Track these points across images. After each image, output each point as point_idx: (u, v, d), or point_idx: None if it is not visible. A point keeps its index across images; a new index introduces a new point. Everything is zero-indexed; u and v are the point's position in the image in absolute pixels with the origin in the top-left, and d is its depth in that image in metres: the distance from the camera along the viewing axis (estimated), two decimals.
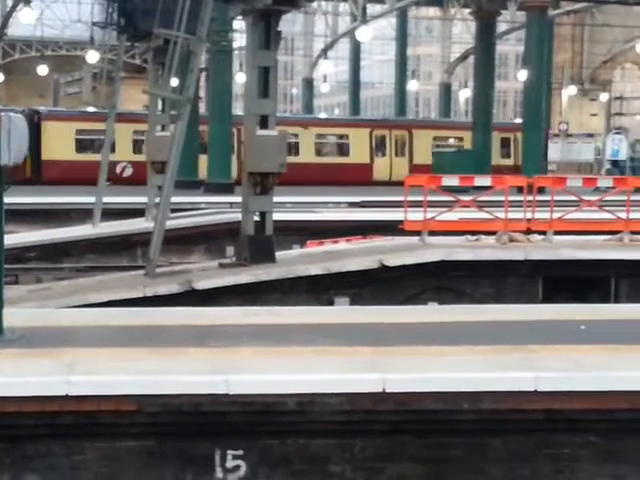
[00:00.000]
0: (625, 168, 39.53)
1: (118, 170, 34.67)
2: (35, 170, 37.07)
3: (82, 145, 38.45)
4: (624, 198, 17.53)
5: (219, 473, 7.41)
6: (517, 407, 7.50)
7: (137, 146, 37.31)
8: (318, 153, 42.85)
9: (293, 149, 40.01)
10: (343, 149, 43.42)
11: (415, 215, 16.44)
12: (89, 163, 32.84)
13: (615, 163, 40.37)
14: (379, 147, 43.18)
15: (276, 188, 14.94)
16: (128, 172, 36.17)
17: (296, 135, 40.33)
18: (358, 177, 39.55)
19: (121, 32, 21.48)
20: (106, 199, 21.58)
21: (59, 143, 37.81)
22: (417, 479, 7.59)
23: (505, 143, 43.55)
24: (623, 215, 17.16)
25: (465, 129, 40.90)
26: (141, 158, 33.74)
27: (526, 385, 7.50)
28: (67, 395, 7.10)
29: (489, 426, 7.59)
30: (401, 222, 16.58)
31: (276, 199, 15.34)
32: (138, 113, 36.69)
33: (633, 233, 16.90)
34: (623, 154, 38.76)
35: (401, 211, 16.73)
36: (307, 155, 41.01)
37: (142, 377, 7.40)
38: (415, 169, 37.26)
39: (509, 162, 42.14)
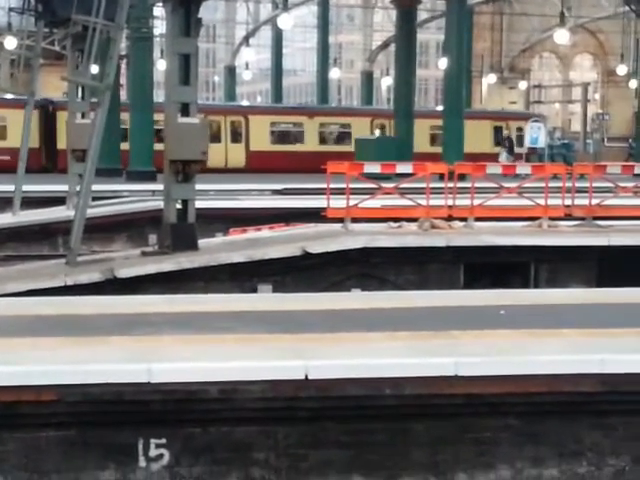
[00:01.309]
0: (544, 155, 39.99)
1: None
2: (51, 159, 37.66)
3: None
4: (542, 185, 17.76)
5: (142, 462, 7.35)
6: (438, 392, 7.55)
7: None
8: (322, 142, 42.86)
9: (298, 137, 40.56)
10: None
11: (338, 202, 16.48)
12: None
13: (533, 150, 40.87)
14: None
15: (197, 176, 14.87)
16: None
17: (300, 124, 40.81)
18: None
19: (39, 18, 21.17)
20: (26, 187, 21.28)
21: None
22: (341, 465, 7.61)
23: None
24: (542, 201, 17.39)
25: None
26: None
27: (447, 370, 7.56)
28: None
29: (411, 411, 7.63)
30: (324, 209, 16.60)
31: (198, 187, 15.26)
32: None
33: (551, 219, 17.14)
34: (542, 142, 39.22)
35: (324, 198, 16.74)
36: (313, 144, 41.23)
37: (62, 367, 7.31)
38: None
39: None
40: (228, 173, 36.64)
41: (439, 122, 38.34)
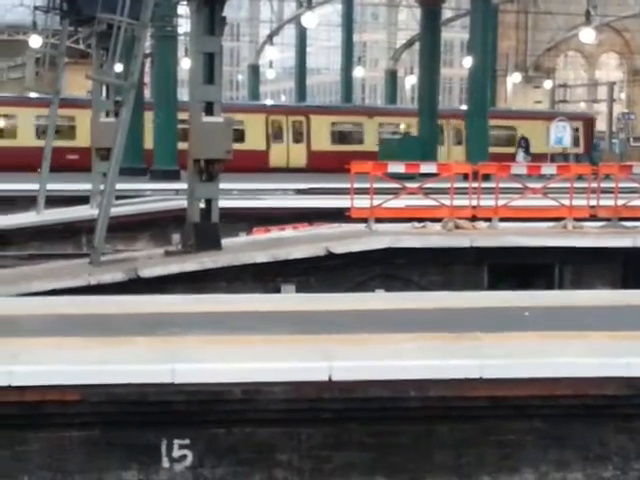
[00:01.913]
0: (570, 155, 39.89)
1: None
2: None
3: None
4: (568, 185, 17.70)
5: (165, 463, 7.37)
6: (463, 394, 7.53)
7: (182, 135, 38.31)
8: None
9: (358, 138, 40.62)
10: None
11: (362, 202, 16.46)
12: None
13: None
14: None
15: (222, 175, 14.89)
16: None
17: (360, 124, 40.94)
18: None
19: (64, 16, 21.23)
20: (50, 186, 21.36)
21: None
22: (364, 467, 7.61)
23: None
24: (566, 202, 17.33)
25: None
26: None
27: (471, 372, 7.54)
28: (10, 385, 7.01)
29: (435, 413, 7.61)
30: (348, 209, 16.59)
31: (222, 186, 15.28)
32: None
33: (576, 220, 17.07)
34: (567, 141, 39.12)
35: (348, 198, 16.73)
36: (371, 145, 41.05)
37: (86, 367, 7.33)
38: None
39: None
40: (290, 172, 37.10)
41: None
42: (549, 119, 44.88)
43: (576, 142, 45.43)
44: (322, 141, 40.64)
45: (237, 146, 39.86)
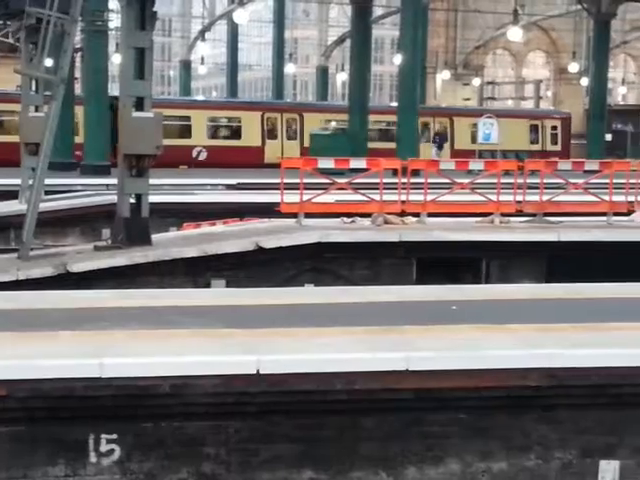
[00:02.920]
0: (496, 151, 40.24)
1: (194, 154, 34.81)
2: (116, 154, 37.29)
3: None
4: (495, 181, 17.88)
5: (93, 457, 7.31)
6: (389, 387, 7.58)
7: (211, 132, 39.76)
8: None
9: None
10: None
11: (292, 197, 16.47)
12: (168, 147, 33.46)
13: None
14: None
15: (152, 170, 14.81)
16: (203, 156, 36.12)
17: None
18: None
19: None
20: None
21: None
22: (292, 459, 7.62)
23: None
24: (494, 197, 17.50)
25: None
26: (215, 143, 36.95)
27: (398, 365, 7.59)
28: None
29: (361, 406, 7.65)
30: (278, 204, 16.59)
31: (152, 181, 15.18)
32: (215, 101, 38.01)
33: (503, 215, 17.26)
34: (494, 138, 39.43)
35: (278, 193, 16.73)
36: None
37: (12, 361, 7.24)
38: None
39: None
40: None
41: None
42: (532, 118, 45.47)
43: (554, 140, 46.06)
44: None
45: (235, 142, 39.87)
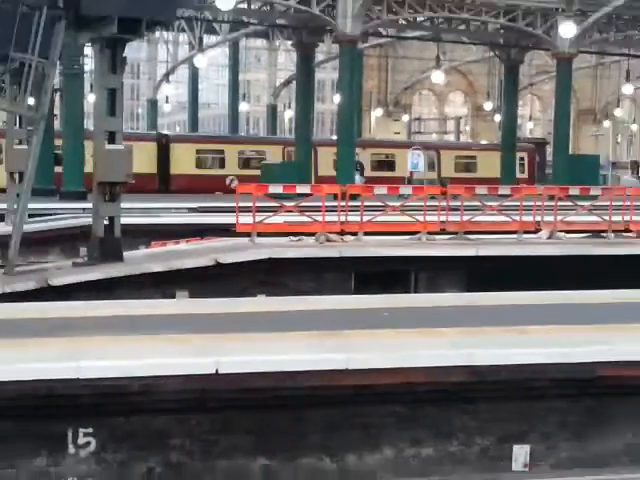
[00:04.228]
0: (424, 180, 40.47)
1: (227, 182, 34.87)
2: (164, 182, 38.45)
3: (200, 162, 40.58)
4: (422, 204, 17.99)
5: (71, 449, 7.22)
6: (331, 384, 7.58)
7: (241, 163, 40.38)
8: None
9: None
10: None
11: (246, 219, 16.44)
12: (206, 176, 36.20)
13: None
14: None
15: (123, 195, 14.70)
16: (235, 183, 35.99)
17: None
18: None
19: None
20: None
21: (184, 160, 39.44)
22: (247, 449, 7.59)
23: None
24: (421, 218, 17.61)
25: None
26: (245, 172, 37.02)
27: (339, 364, 7.59)
28: None
29: (308, 401, 7.64)
30: (234, 225, 16.55)
31: (124, 205, 15.06)
32: (244, 137, 42.72)
33: (429, 233, 17.37)
34: (421, 167, 39.71)
35: (234, 215, 16.69)
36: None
37: (0, 366, 7.14)
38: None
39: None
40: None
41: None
42: (485, 150, 45.63)
43: (522, 170, 46.30)
44: (328, 168, 40.95)
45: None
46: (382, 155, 44.97)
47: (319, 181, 40.54)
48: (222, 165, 40.58)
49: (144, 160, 38.61)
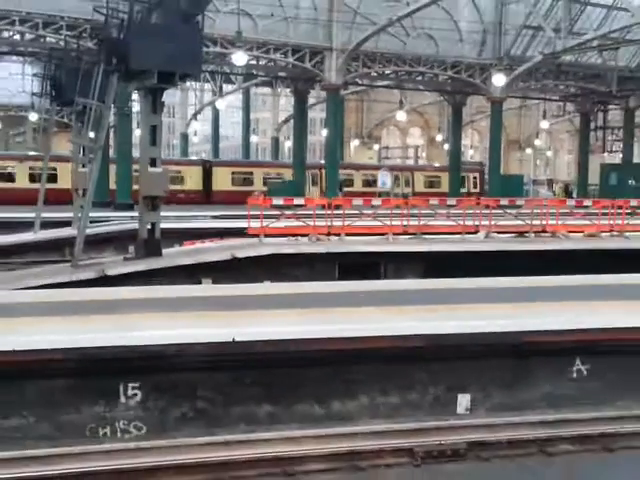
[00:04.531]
0: (390, 193, 40.45)
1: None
2: (208, 196, 38.89)
3: (235, 181, 40.47)
4: (389, 212, 18.00)
5: (123, 399, 7.21)
6: (322, 348, 7.59)
7: (265, 183, 39.93)
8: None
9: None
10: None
11: (256, 224, 16.42)
12: (239, 192, 35.93)
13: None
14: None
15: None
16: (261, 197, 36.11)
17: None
18: None
19: (53, 100, 20.60)
20: (44, 214, 20.66)
21: (222, 180, 39.74)
22: (255, 398, 7.56)
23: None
24: (388, 222, 17.62)
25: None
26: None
27: (328, 333, 7.60)
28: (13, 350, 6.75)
29: (305, 362, 7.62)
30: (246, 228, 16.53)
31: (163, 213, 15.02)
32: (268, 162, 42.39)
33: (395, 234, 17.37)
34: (388, 184, 39.72)
35: (246, 221, 16.67)
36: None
37: (69, 336, 7.13)
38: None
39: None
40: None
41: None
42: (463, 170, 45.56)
43: (475, 185, 46.45)
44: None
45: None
46: (369, 175, 44.83)
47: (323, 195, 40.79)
48: (251, 183, 40.52)
49: (194, 180, 39.23)
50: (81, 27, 28.65)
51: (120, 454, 6.40)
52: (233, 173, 40.97)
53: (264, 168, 42.69)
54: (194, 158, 46.90)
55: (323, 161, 40.84)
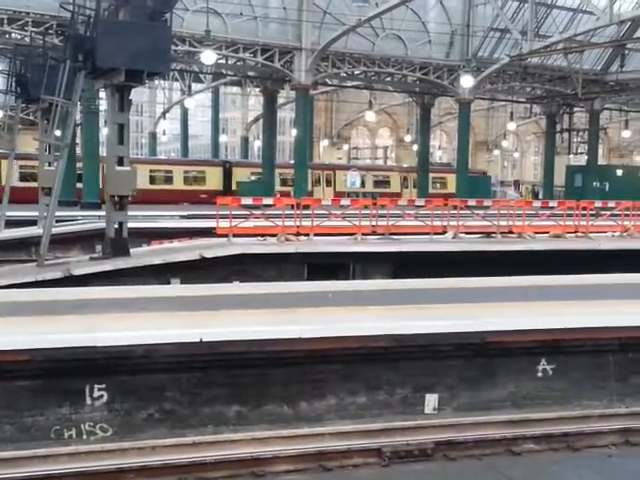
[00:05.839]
0: (359, 194, 40.56)
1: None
2: (228, 192, 38.43)
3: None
4: (357, 212, 18.05)
5: (88, 401, 7.14)
6: (288, 348, 7.58)
7: (280, 181, 39.67)
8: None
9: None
10: None
11: (224, 223, 16.36)
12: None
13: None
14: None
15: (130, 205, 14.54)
16: (277, 195, 35.83)
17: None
18: None
19: (18, 97, 20.32)
20: (9, 213, 20.37)
21: (241, 178, 39.49)
22: (224, 399, 7.55)
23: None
24: (357, 222, 17.66)
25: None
26: (283, 189, 37.14)
27: (294, 334, 7.60)
28: None
29: (271, 362, 7.62)
30: (215, 228, 16.45)
31: (130, 212, 14.89)
32: (281, 164, 40.84)
33: (363, 234, 17.42)
34: (357, 183, 39.83)
35: (215, 220, 16.60)
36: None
37: (34, 337, 7.03)
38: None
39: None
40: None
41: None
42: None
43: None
44: (341, 186, 40.76)
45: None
46: (379, 176, 45.10)
47: (337, 195, 41.06)
48: None
49: (214, 180, 39.10)
50: (47, 23, 28.25)
51: (86, 456, 6.32)
52: (252, 173, 40.88)
53: (280, 169, 42.48)
54: (215, 159, 46.74)
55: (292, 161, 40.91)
